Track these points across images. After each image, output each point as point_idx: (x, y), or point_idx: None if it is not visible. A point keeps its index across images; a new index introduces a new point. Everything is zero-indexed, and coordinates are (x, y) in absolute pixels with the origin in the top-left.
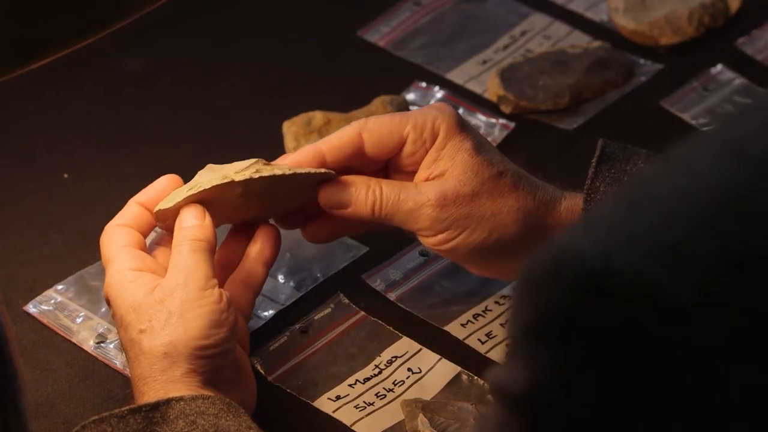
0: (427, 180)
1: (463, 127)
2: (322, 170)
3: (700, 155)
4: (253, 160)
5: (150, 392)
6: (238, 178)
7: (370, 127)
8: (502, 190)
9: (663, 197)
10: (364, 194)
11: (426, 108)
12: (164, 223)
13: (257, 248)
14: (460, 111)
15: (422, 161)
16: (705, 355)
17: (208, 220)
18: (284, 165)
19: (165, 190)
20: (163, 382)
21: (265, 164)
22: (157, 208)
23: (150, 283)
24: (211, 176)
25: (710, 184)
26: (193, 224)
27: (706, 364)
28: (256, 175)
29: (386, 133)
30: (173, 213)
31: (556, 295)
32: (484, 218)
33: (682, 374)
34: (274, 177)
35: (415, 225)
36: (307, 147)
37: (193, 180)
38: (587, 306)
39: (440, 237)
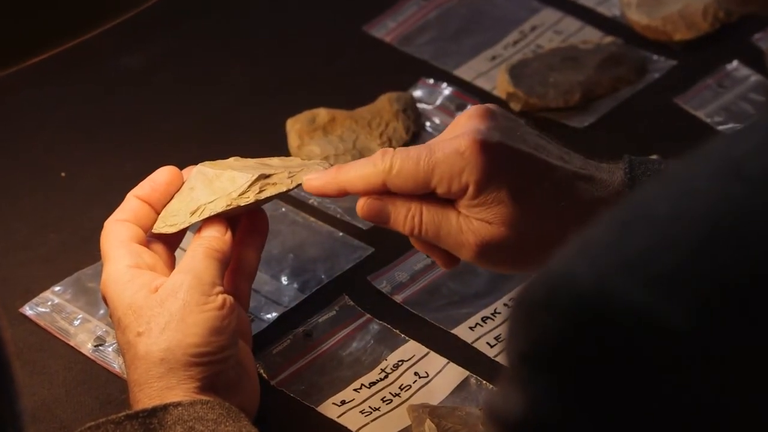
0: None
1: (495, 173)
2: (321, 166)
3: (696, 175)
4: (253, 176)
5: (145, 399)
6: (242, 202)
7: (393, 180)
8: (549, 228)
9: (658, 220)
10: (403, 218)
11: (450, 151)
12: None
13: (245, 233)
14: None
15: (460, 202)
16: (702, 383)
17: (228, 236)
18: (284, 176)
19: (163, 183)
20: (158, 389)
21: (265, 177)
22: (157, 231)
23: (150, 282)
24: (210, 193)
25: (707, 205)
26: (214, 235)
27: (703, 392)
28: (262, 197)
29: (411, 187)
30: (175, 235)
31: (551, 323)
32: (533, 251)
33: (679, 402)
34: (279, 194)
35: (458, 255)
36: (331, 182)
37: (188, 193)
38: (581, 334)
39: (487, 267)
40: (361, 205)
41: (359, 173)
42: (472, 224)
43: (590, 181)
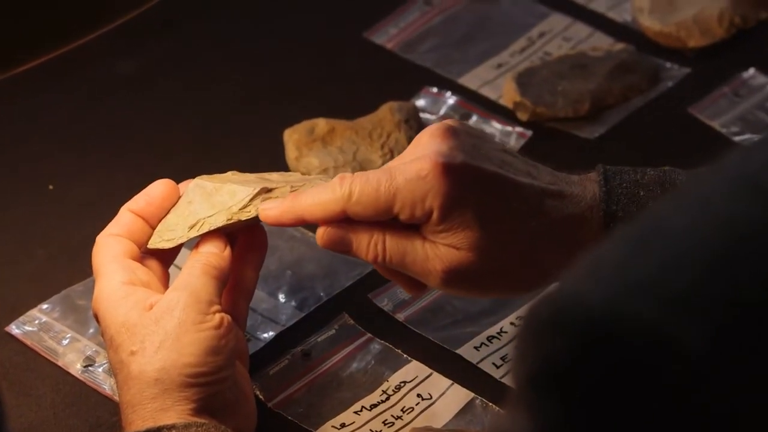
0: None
1: (460, 196)
2: (323, 180)
3: (712, 190)
4: (254, 190)
5: (138, 421)
6: (244, 216)
7: (353, 208)
8: (519, 250)
9: (672, 237)
10: (365, 246)
11: (412, 176)
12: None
13: (243, 250)
14: (473, 119)
15: (425, 227)
16: (718, 406)
17: (227, 252)
18: (286, 190)
19: (159, 197)
20: (152, 410)
21: (267, 191)
22: (153, 246)
23: (144, 299)
24: (209, 207)
25: (723, 222)
26: (212, 251)
27: (719, 415)
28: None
29: (372, 214)
30: (170, 250)
31: (560, 344)
32: (504, 275)
33: (693, 426)
34: None
35: (425, 282)
36: (288, 210)
37: (186, 207)
38: (592, 355)
39: (456, 294)
40: (321, 234)
41: (317, 200)
42: (439, 250)
43: (560, 198)
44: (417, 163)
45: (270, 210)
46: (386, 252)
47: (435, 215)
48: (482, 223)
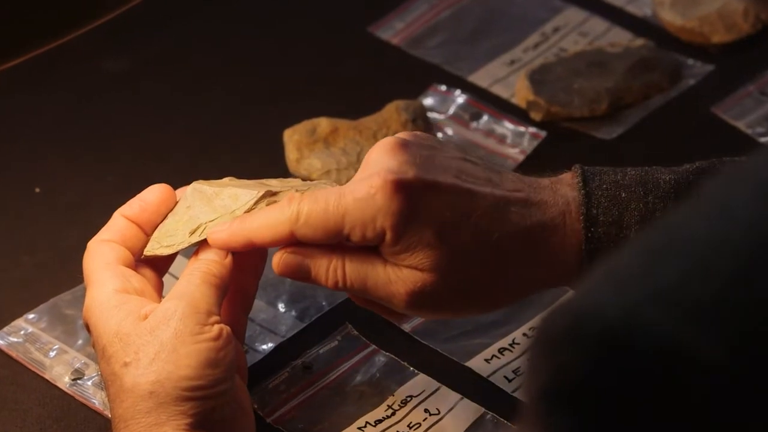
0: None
1: (414, 213)
2: (328, 185)
3: (735, 197)
4: (259, 193)
5: None
6: None
7: (301, 230)
8: (486, 264)
9: (693, 246)
10: (324, 272)
11: (361, 195)
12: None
13: (243, 258)
14: (484, 118)
15: (383, 249)
16: (738, 419)
17: (228, 260)
18: (292, 190)
19: (155, 202)
20: (146, 425)
21: (271, 194)
22: (150, 253)
23: (139, 308)
24: (210, 211)
25: (747, 230)
26: (213, 259)
27: (739, 428)
28: None
29: (321, 236)
30: (166, 258)
31: (575, 356)
32: (473, 292)
33: None
34: None
35: (391, 306)
36: (237, 233)
37: (185, 212)
38: (608, 369)
39: (426, 317)
40: (277, 260)
41: (265, 222)
42: (401, 272)
43: (526, 205)
44: (366, 182)
45: (218, 233)
46: (346, 277)
47: (388, 236)
48: (442, 240)
